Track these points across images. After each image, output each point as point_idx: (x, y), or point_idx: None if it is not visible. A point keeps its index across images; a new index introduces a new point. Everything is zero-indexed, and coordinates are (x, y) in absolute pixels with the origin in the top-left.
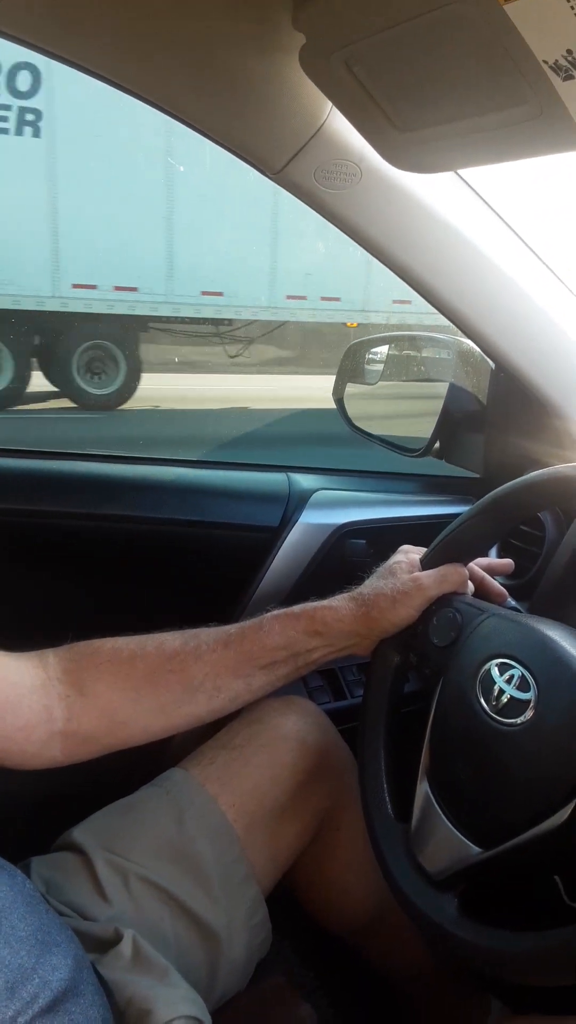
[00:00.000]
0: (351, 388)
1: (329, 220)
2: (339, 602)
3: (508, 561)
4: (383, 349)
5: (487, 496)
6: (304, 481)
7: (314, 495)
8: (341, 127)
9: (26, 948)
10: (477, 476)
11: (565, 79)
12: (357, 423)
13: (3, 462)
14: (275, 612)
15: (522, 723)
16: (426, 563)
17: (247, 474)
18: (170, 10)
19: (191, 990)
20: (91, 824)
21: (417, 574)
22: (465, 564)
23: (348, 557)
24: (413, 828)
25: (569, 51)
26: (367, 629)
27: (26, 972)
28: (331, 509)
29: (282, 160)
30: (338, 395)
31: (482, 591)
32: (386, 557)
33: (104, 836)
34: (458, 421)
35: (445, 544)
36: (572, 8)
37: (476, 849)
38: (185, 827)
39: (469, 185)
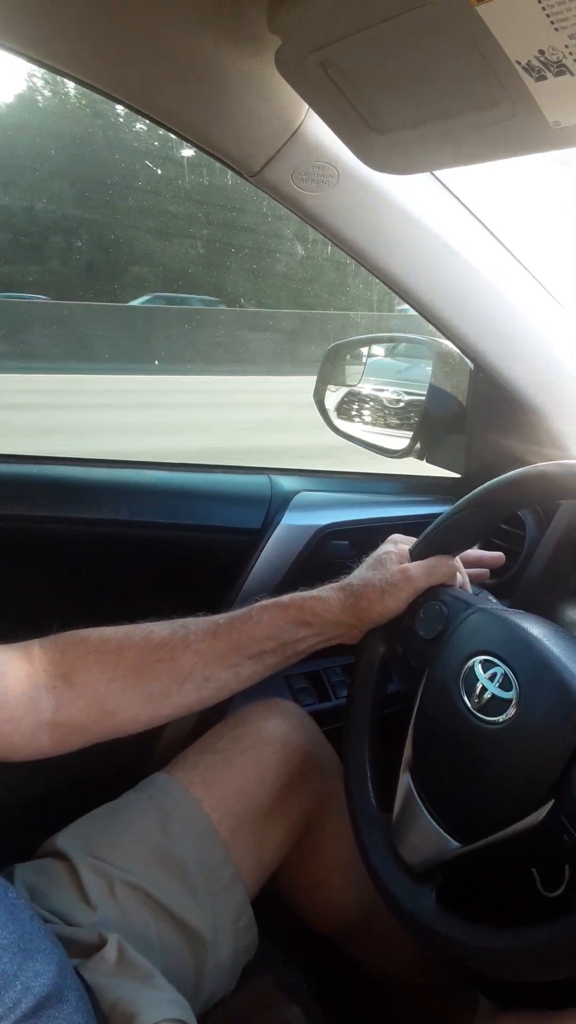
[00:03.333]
0: (332, 390)
1: (307, 222)
2: (328, 592)
3: (499, 554)
4: (364, 351)
5: (477, 490)
6: (286, 483)
7: (296, 496)
8: (318, 129)
9: (8, 955)
10: (458, 476)
11: (538, 80)
12: (338, 425)
13: None
14: (264, 602)
15: (503, 722)
16: (415, 554)
17: (228, 476)
18: (147, 13)
19: (176, 993)
20: (75, 830)
21: (406, 565)
22: (454, 556)
23: (331, 558)
24: (394, 819)
25: (541, 51)
26: (355, 619)
27: (8, 978)
28: (313, 510)
29: (259, 162)
30: (319, 397)
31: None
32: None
33: (88, 842)
34: (438, 422)
35: (434, 536)
36: (543, 9)
37: (455, 843)
38: (170, 831)
39: (445, 186)
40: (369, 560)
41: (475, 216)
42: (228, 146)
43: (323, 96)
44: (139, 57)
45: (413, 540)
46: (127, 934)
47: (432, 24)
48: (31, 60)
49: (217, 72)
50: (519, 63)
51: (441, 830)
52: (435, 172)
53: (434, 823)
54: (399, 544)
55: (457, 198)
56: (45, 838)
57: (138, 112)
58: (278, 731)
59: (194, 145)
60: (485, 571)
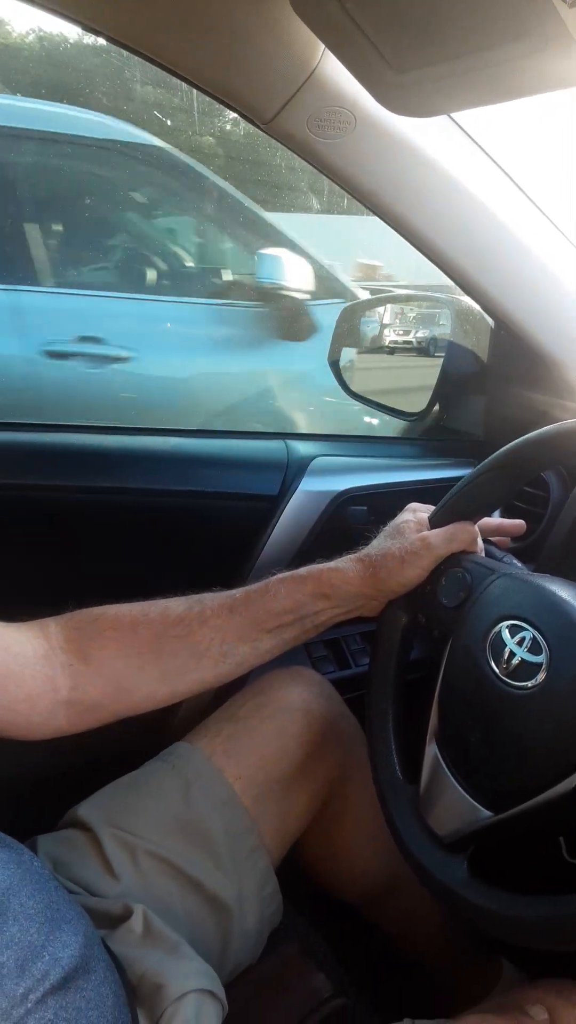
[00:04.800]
0: (347, 351)
1: (323, 172)
2: (346, 563)
3: (520, 522)
4: (379, 310)
5: (496, 453)
6: (302, 448)
7: (313, 462)
8: (334, 72)
9: (35, 925)
10: (478, 438)
11: (572, 5)
12: (353, 387)
13: None
14: (281, 575)
15: (533, 687)
16: (434, 522)
17: (244, 442)
18: None
19: (203, 963)
20: (97, 800)
21: (425, 533)
22: (474, 523)
23: (349, 524)
24: (422, 790)
25: None
26: (375, 590)
27: (36, 949)
28: (331, 476)
29: (273, 108)
30: (334, 358)
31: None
32: (387, 523)
33: (110, 812)
34: (457, 382)
35: (454, 502)
36: None
37: (486, 812)
38: (192, 800)
39: (466, 132)
40: (387, 529)
41: (497, 164)
42: (240, 91)
43: (341, 34)
44: (148, 2)
45: (431, 508)
46: (152, 904)
47: None
48: (40, 7)
49: (229, 15)
50: None
51: (472, 799)
52: (456, 118)
53: (464, 792)
54: (417, 512)
55: (479, 145)
56: (66, 809)
57: (147, 59)
58: (300, 699)
59: (206, 93)
60: (506, 539)
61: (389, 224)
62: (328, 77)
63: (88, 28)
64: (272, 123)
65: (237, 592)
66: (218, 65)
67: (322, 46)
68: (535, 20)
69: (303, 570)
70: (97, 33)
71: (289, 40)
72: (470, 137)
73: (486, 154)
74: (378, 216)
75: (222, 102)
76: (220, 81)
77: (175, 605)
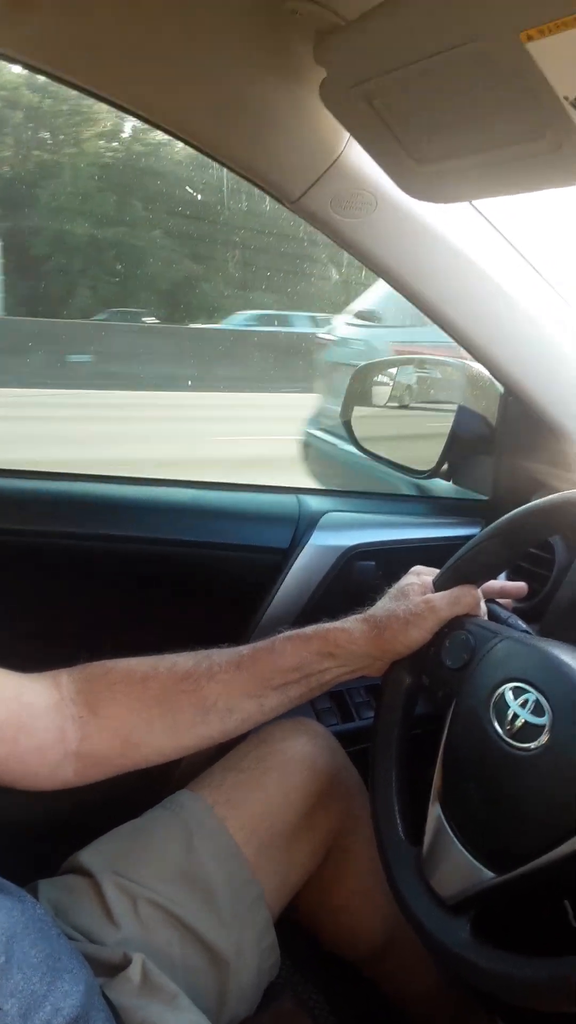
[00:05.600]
0: (359, 411)
1: (344, 248)
2: (352, 623)
3: (522, 584)
4: (392, 372)
5: (501, 519)
6: (313, 503)
7: (324, 517)
8: (358, 158)
9: (38, 974)
10: (485, 499)
11: None
12: (365, 445)
13: (14, 482)
14: (287, 633)
15: (536, 748)
16: (438, 585)
17: (257, 495)
18: (193, 41)
19: (201, 1015)
20: (99, 847)
21: (430, 596)
22: (478, 586)
23: (357, 579)
24: (425, 851)
25: None
26: (380, 651)
27: (38, 998)
28: (340, 531)
29: (300, 189)
30: (346, 417)
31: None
32: (395, 579)
33: (112, 859)
34: (466, 443)
35: (457, 566)
36: None
37: (489, 874)
38: (194, 850)
39: (482, 213)
40: (392, 591)
41: (511, 244)
42: (269, 173)
43: (366, 127)
44: (184, 86)
45: (435, 571)
46: (151, 953)
47: (480, 59)
48: (78, 88)
49: (261, 101)
50: (567, 98)
51: (474, 860)
52: (473, 201)
53: (467, 854)
54: (422, 575)
55: (493, 225)
56: (68, 854)
57: (181, 139)
58: (304, 751)
59: (236, 173)
60: (508, 602)
61: (405, 296)
62: (352, 162)
63: (124, 109)
64: (297, 203)
65: (244, 649)
66: (249, 148)
67: (347, 133)
68: (550, 125)
69: (309, 629)
70: (132, 113)
71: (317, 127)
72: (484, 217)
73: (500, 233)
74: (395, 289)
75: (252, 182)
76: (251, 163)
77: (183, 660)
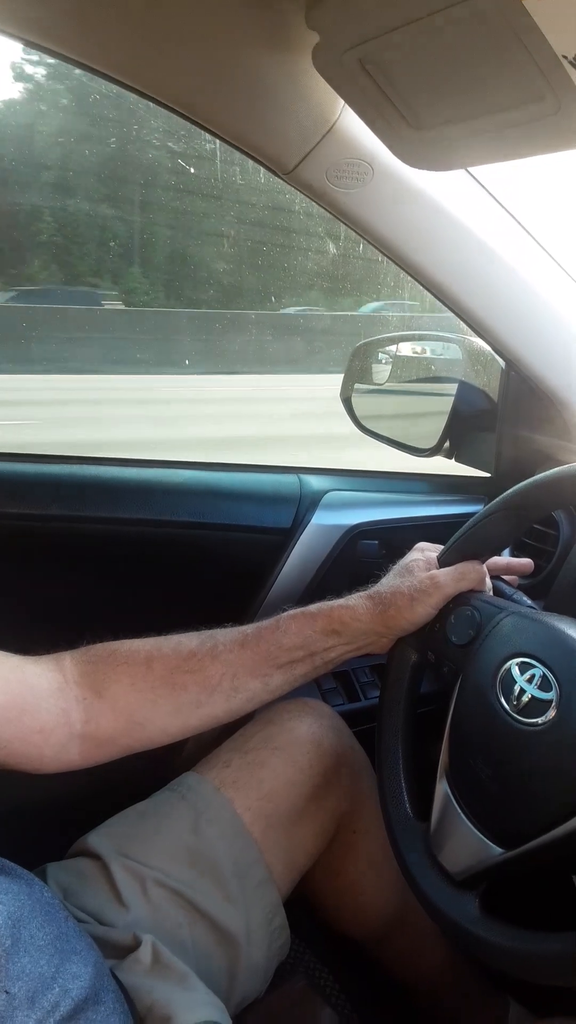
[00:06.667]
0: (359, 387)
1: (341, 219)
2: (356, 601)
3: (527, 561)
4: (391, 349)
5: (505, 494)
6: (315, 482)
7: (325, 496)
8: (353, 126)
9: (46, 956)
10: (488, 475)
11: None
12: (365, 423)
13: (12, 467)
14: (291, 612)
15: (544, 723)
16: (443, 561)
17: (258, 476)
18: (182, 8)
19: (211, 995)
20: (107, 829)
21: (434, 572)
22: (483, 562)
23: (360, 558)
24: (432, 828)
25: None
26: (385, 627)
27: (46, 981)
28: (343, 510)
29: (294, 160)
30: (346, 395)
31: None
32: (398, 558)
33: (120, 841)
34: (468, 420)
35: (462, 542)
36: None
37: (497, 849)
38: (202, 832)
39: (479, 182)
40: (396, 568)
41: (510, 213)
42: (263, 144)
43: (360, 93)
44: (175, 55)
45: (440, 547)
46: (160, 935)
47: (475, 19)
48: (63, 59)
49: (253, 69)
50: (565, 57)
51: (483, 836)
52: (469, 169)
53: (475, 830)
54: (426, 552)
55: (491, 194)
56: (76, 837)
57: (172, 110)
58: (310, 731)
59: (229, 144)
60: (514, 578)
61: (403, 269)
62: (347, 130)
63: (110, 78)
64: (292, 173)
65: (249, 628)
66: (241, 118)
67: (342, 101)
68: (549, 86)
69: (314, 607)
70: (120, 84)
71: (310, 95)
72: (482, 186)
73: (498, 202)
74: (393, 261)
75: (245, 153)
76: (243, 134)
77: (188, 640)
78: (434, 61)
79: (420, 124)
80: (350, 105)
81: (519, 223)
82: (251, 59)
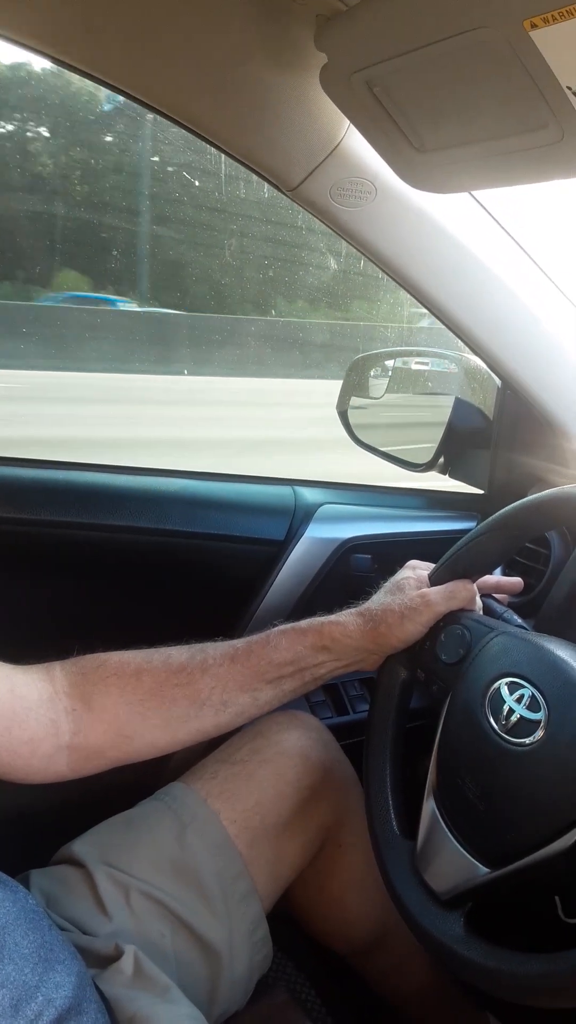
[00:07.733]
0: (355, 402)
1: (343, 237)
2: (347, 617)
3: (517, 580)
4: (388, 364)
5: (497, 514)
6: (310, 495)
7: (320, 509)
8: (358, 146)
9: (30, 965)
10: (481, 492)
11: None
12: (361, 437)
13: (5, 471)
14: (282, 627)
15: (531, 743)
16: (434, 579)
17: (253, 487)
18: (194, 25)
19: (193, 1007)
20: (91, 837)
21: (425, 590)
22: (473, 581)
23: (353, 572)
24: (419, 846)
25: None
26: (375, 645)
27: (30, 990)
28: (336, 523)
29: (298, 177)
30: (342, 408)
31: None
32: (390, 572)
33: (105, 850)
34: (463, 437)
35: (453, 561)
36: None
37: (483, 869)
38: (187, 842)
39: (481, 204)
40: (387, 585)
41: (511, 235)
42: (268, 160)
43: (366, 114)
44: (183, 70)
45: (431, 566)
46: (143, 945)
47: (482, 47)
48: (76, 71)
49: (261, 87)
50: (570, 88)
51: (469, 855)
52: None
53: (461, 849)
54: (417, 569)
55: (493, 216)
56: (60, 844)
57: (180, 124)
58: (298, 744)
59: (235, 159)
60: (504, 597)
61: (403, 287)
62: (352, 150)
63: (120, 91)
64: (297, 190)
65: (239, 642)
66: (248, 134)
67: (347, 121)
68: (553, 115)
69: (304, 622)
70: (130, 97)
71: (317, 114)
72: (484, 208)
73: (499, 224)
74: (392, 279)
75: (250, 168)
76: (249, 149)
77: (178, 653)
78: (440, 87)
79: (424, 147)
80: (355, 126)
81: (520, 245)
82: (260, 78)
